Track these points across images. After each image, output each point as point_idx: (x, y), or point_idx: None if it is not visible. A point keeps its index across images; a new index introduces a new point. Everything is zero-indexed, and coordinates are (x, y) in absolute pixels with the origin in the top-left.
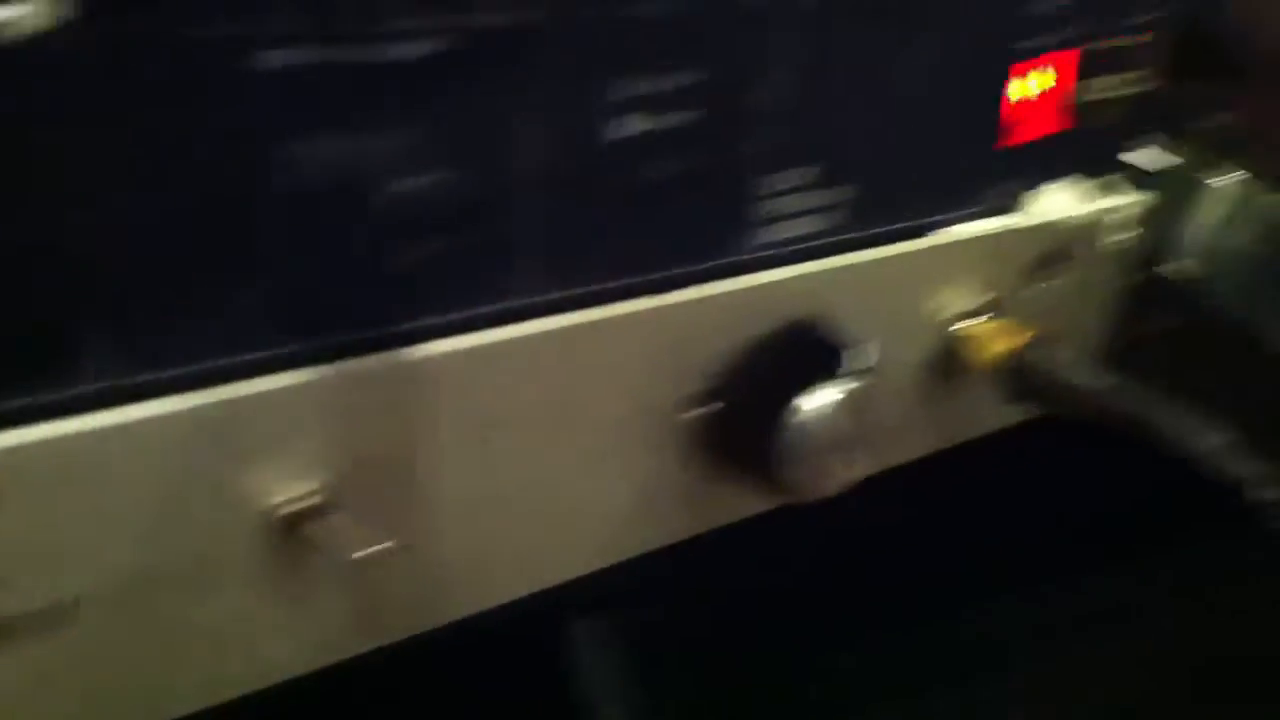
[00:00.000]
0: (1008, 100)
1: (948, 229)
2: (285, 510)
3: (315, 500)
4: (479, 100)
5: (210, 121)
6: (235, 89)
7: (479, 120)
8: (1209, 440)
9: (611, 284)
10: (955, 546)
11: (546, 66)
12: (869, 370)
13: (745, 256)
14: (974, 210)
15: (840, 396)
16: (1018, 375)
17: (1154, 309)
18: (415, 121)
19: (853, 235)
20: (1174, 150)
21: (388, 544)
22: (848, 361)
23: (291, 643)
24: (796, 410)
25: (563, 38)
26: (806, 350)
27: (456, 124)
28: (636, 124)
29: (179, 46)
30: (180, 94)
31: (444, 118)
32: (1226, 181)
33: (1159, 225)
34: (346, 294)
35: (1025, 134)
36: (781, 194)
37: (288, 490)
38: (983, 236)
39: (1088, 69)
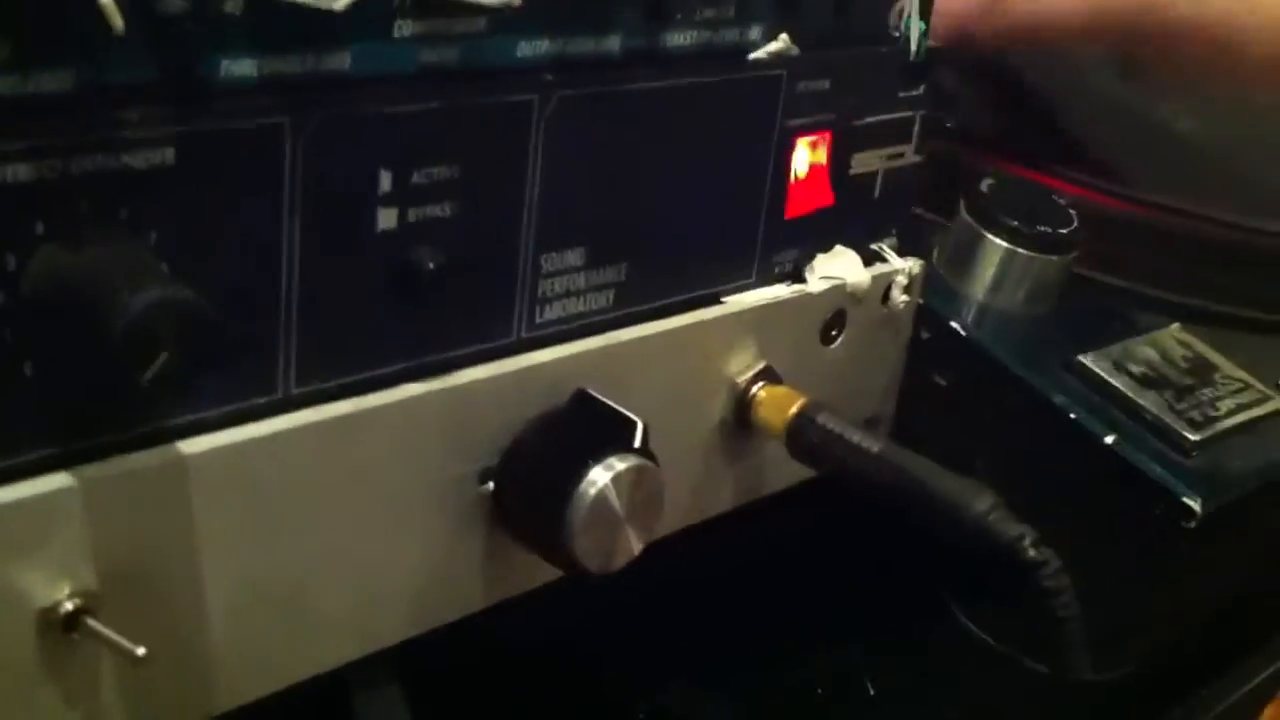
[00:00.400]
0: (784, 175)
1: (732, 298)
2: (49, 613)
3: (78, 602)
4: (234, 201)
5: None
6: None
7: (238, 220)
8: (979, 503)
9: (391, 369)
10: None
11: (300, 165)
12: (642, 447)
13: (530, 335)
14: (757, 279)
15: (617, 473)
16: (795, 438)
17: (933, 368)
18: (166, 224)
19: (636, 309)
20: (950, 211)
21: (140, 650)
22: (625, 437)
23: None
24: (574, 488)
25: (313, 137)
26: (587, 426)
27: (213, 224)
28: (403, 215)
29: None
30: None
31: (195, 219)
32: (1000, 241)
33: (938, 285)
34: (108, 398)
35: (803, 206)
36: (562, 273)
37: (51, 593)
38: (766, 304)
39: (856, 144)
